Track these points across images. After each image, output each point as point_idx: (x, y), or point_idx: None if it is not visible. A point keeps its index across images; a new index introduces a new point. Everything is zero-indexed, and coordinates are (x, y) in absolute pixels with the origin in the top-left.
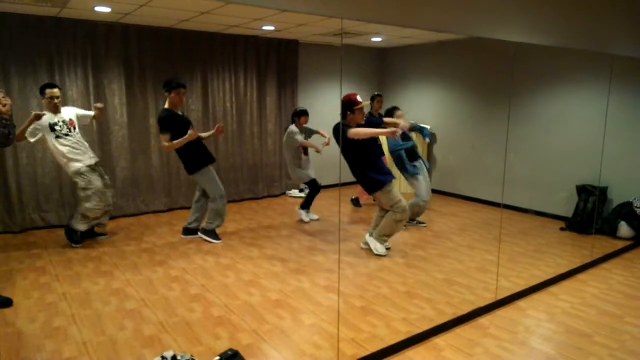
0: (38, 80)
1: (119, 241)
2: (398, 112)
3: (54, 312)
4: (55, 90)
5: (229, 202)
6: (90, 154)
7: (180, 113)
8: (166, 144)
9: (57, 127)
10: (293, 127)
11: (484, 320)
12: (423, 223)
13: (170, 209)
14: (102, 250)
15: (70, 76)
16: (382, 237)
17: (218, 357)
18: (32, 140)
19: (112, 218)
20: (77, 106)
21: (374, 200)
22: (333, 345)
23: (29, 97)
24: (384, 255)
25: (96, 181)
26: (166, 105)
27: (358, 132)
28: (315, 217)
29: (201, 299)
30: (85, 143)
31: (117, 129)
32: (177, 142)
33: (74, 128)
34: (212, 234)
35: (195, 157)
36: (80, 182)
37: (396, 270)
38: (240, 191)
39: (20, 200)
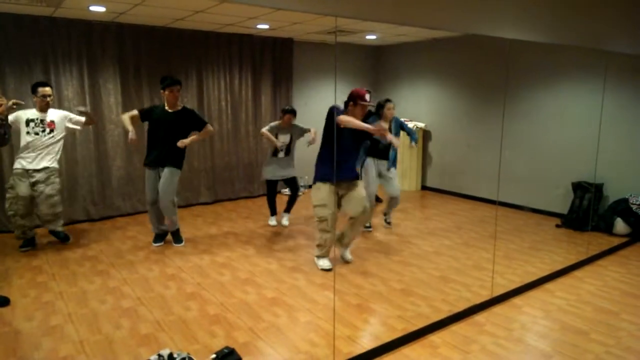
0: (33, 80)
1: (116, 240)
2: (389, 105)
3: (50, 311)
4: (47, 89)
5: (225, 200)
6: (46, 161)
7: (171, 110)
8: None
9: (31, 124)
10: (272, 123)
11: (479, 317)
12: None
13: None
14: (99, 249)
15: (65, 76)
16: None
17: (214, 355)
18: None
19: (108, 217)
20: (72, 105)
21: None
22: (329, 342)
23: (24, 97)
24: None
25: (20, 189)
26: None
27: (349, 121)
28: (285, 223)
29: (197, 298)
30: (55, 149)
31: (113, 127)
32: (126, 124)
33: (51, 130)
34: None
35: (147, 150)
36: (10, 181)
37: (392, 267)
38: (235, 190)
39: None
